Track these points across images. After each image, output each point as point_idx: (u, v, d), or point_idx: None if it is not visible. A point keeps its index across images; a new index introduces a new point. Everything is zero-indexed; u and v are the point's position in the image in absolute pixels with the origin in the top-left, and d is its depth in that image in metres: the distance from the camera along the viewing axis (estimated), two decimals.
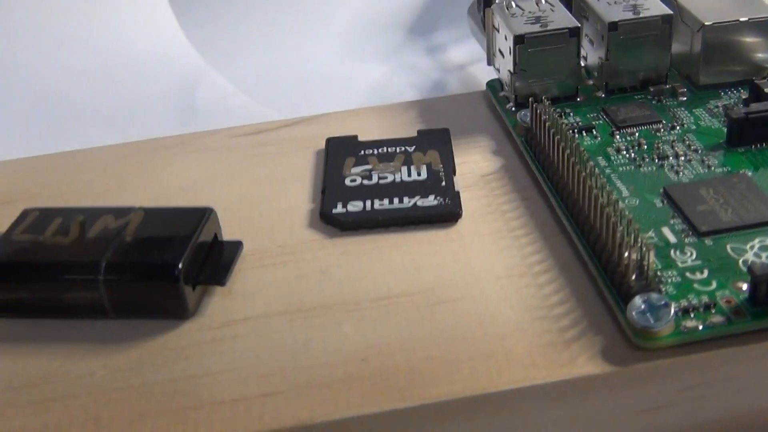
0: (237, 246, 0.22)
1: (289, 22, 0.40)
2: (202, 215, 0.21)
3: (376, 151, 0.25)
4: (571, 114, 0.26)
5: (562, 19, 0.26)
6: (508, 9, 0.26)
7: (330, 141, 0.26)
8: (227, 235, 0.22)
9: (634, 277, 0.19)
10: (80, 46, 0.38)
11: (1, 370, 0.19)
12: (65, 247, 0.21)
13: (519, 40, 0.25)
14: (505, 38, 0.26)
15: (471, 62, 0.36)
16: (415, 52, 0.38)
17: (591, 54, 0.27)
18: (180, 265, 0.20)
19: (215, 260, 0.21)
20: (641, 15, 0.25)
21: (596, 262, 0.20)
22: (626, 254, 0.19)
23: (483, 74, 0.35)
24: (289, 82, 0.38)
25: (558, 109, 0.25)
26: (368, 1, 0.41)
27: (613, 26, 0.25)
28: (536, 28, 0.25)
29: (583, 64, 0.26)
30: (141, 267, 0.20)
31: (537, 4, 0.26)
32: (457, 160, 0.25)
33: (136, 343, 0.20)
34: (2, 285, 0.20)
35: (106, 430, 0.18)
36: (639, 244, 0.19)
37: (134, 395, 0.18)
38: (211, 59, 0.38)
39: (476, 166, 0.25)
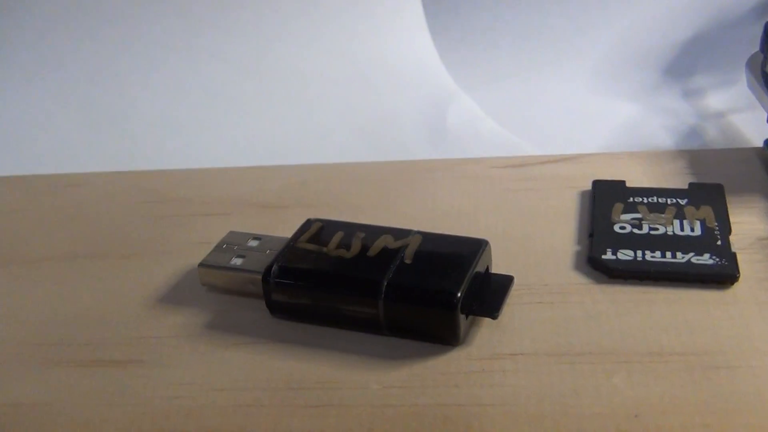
0: (509, 280, 0.22)
1: (542, 52, 0.40)
2: (480, 246, 0.22)
3: (645, 200, 0.25)
4: None
5: None
6: None
7: (597, 183, 0.26)
8: (493, 267, 0.23)
9: None
10: (339, 56, 0.40)
11: (280, 370, 0.21)
12: (347, 262, 0.22)
13: None
14: None
15: (731, 111, 0.35)
16: (669, 94, 0.38)
17: None
18: (459, 294, 0.20)
19: (486, 292, 0.22)
20: None
21: None
22: None
23: (745, 125, 0.34)
24: (537, 113, 0.38)
25: None
26: (624, 37, 0.41)
27: None
28: None
29: None
30: (421, 291, 0.20)
31: None
32: (731, 219, 0.24)
33: (406, 362, 0.20)
34: (287, 289, 0.21)
35: None
36: None
37: (406, 414, 0.19)
38: (462, 83, 0.39)
39: (752, 227, 0.24)
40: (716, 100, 0.36)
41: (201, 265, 0.23)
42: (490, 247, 0.22)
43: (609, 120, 0.36)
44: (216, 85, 0.38)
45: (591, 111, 0.37)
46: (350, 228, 0.23)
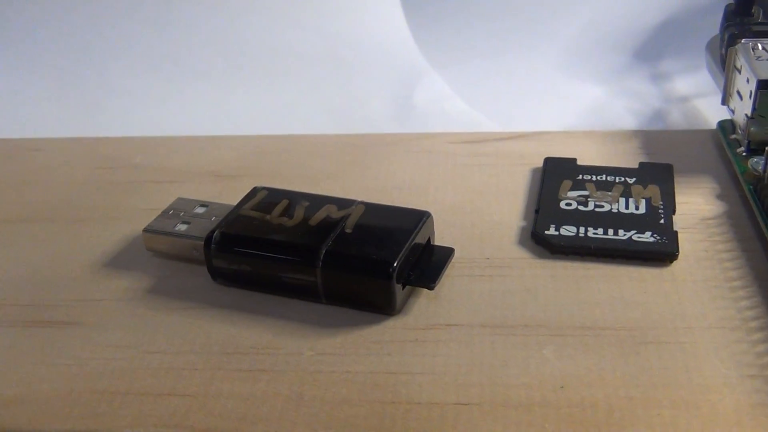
0: (449, 252, 0.22)
1: (513, 32, 0.40)
2: (421, 218, 0.22)
3: (594, 178, 0.25)
4: None
5: None
6: (753, 51, 0.26)
7: (548, 161, 0.26)
8: (436, 239, 0.23)
9: None
10: (310, 31, 0.40)
11: (217, 334, 0.21)
12: (289, 229, 0.22)
13: (763, 84, 0.24)
14: (747, 81, 0.25)
15: (697, 96, 0.35)
16: (638, 78, 0.38)
17: None
18: (395, 264, 0.20)
19: (426, 263, 0.22)
20: None
21: None
22: None
23: (709, 110, 0.33)
24: (506, 92, 0.38)
25: None
26: (595, 19, 0.40)
27: None
28: None
29: None
30: (358, 260, 0.21)
31: None
32: (677, 199, 0.24)
33: (342, 330, 0.21)
34: (228, 255, 0.22)
35: (306, 409, 0.19)
36: None
37: (337, 380, 0.19)
38: (433, 60, 0.39)
39: (697, 208, 0.24)
40: (683, 84, 0.36)
41: (146, 230, 0.23)
42: (432, 219, 0.22)
43: (576, 101, 0.36)
44: (181, 54, 0.38)
45: (559, 92, 0.37)
46: (295, 197, 0.23)
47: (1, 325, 0.21)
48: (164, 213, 0.24)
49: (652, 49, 0.39)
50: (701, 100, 0.34)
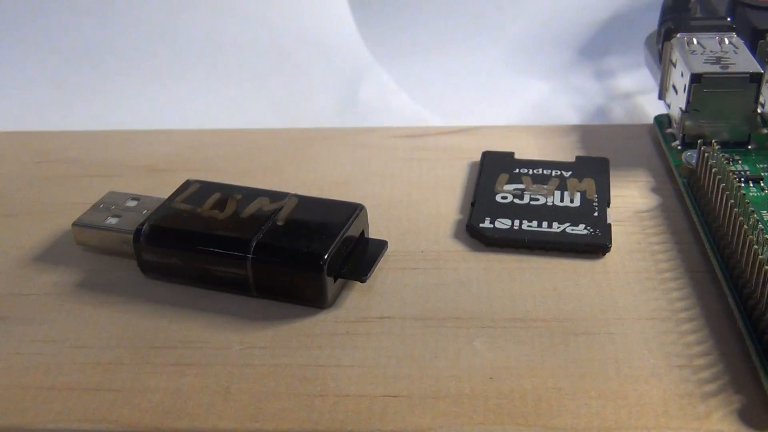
0: (382, 245, 0.22)
1: (460, 28, 0.40)
2: (353, 211, 0.22)
3: (531, 171, 0.25)
4: (740, 161, 0.25)
5: (745, 62, 0.25)
6: (688, 45, 0.26)
7: (486, 155, 0.26)
8: (373, 232, 0.23)
9: None
10: (256, 24, 0.39)
11: (145, 329, 0.20)
12: (220, 222, 0.21)
13: (696, 78, 0.24)
14: (682, 75, 0.25)
15: (639, 92, 0.35)
16: (582, 74, 0.38)
17: None
18: (326, 257, 0.20)
19: (359, 256, 0.22)
20: None
21: (746, 319, 0.19)
22: None
23: (650, 107, 0.34)
24: (451, 88, 0.38)
25: (726, 155, 0.24)
26: (542, 16, 0.41)
27: None
28: (716, 68, 0.24)
29: (760, 111, 0.25)
30: (289, 253, 0.20)
31: (720, 44, 0.26)
32: (612, 192, 0.24)
33: (273, 324, 0.20)
34: (157, 248, 0.21)
35: (234, 402, 0.18)
36: None
37: (265, 374, 0.19)
38: (378, 56, 0.39)
39: (632, 200, 0.24)
40: (626, 80, 0.37)
41: (75, 224, 0.23)
42: (366, 211, 0.22)
43: (520, 97, 0.36)
44: (121, 46, 0.37)
45: (504, 88, 0.37)
46: (228, 190, 0.23)
47: None
48: (95, 207, 0.23)
49: (597, 46, 0.39)
50: (643, 96, 0.35)
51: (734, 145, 0.25)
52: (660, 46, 0.28)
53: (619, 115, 0.35)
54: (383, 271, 0.22)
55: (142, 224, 0.21)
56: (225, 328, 0.20)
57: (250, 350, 0.20)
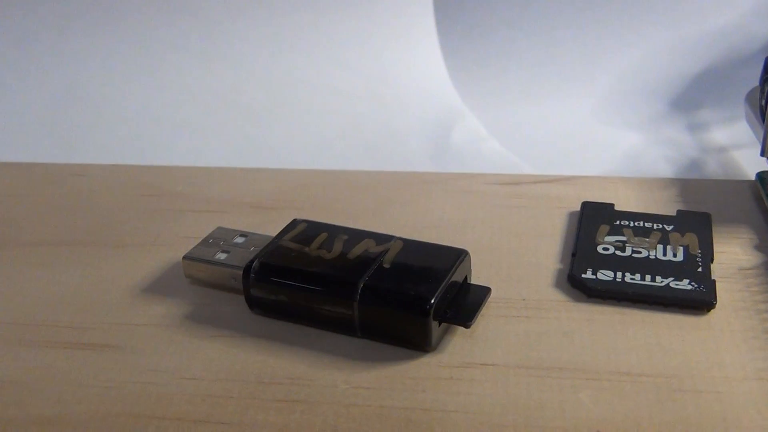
0: (485, 291, 0.22)
1: (551, 76, 0.41)
2: (458, 256, 0.22)
3: (632, 224, 0.25)
4: None
5: None
6: None
7: (586, 204, 0.26)
8: (474, 278, 0.23)
9: None
10: (350, 69, 0.40)
11: (253, 364, 0.21)
12: (328, 262, 0.22)
13: None
14: None
15: (734, 146, 0.35)
16: (674, 126, 0.38)
17: None
18: (432, 301, 0.20)
19: (462, 301, 0.22)
20: None
21: None
22: None
23: (747, 162, 0.34)
24: (542, 136, 0.38)
25: None
26: (633, 67, 0.41)
27: None
28: None
29: None
30: (395, 295, 0.21)
31: None
32: (715, 248, 0.24)
33: (377, 365, 0.21)
34: (266, 285, 0.22)
35: None
36: None
37: (371, 414, 0.19)
38: (470, 103, 0.39)
39: (735, 257, 0.24)
40: (720, 134, 0.36)
41: (185, 257, 0.23)
42: (469, 257, 0.22)
43: (612, 148, 0.36)
44: (225, 88, 0.38)
45: (595, 138, 0.37)
46: (334, 230, 0.23)
47: (41, 345, 0.22)
48: (204, 241, 0.24)
49: (690, 99, 0.39)
50: (740, 150, 0.34)
51: None
52: (763, 102, 0.27)
53: (714, 168, 0.35)
54: (485, 317, 0.22)
55: (252, 260, 0.22)
56: (331, 366, 0.21)
57: (356, 390, 0.20)
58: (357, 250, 0.22)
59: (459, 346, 0.21)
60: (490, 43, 0.42)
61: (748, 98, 0.30)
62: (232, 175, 0.30)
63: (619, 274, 0.23)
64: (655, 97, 0.39)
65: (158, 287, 0.24)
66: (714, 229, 0.25)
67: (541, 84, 0.41)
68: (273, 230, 0.24)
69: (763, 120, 0.27)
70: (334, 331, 0.22)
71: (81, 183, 0.30)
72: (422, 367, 0.21)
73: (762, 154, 0.28)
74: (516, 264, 0.24)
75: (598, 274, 0.23)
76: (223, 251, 0.23)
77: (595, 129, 0.38)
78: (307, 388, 0.20)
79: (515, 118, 0.39)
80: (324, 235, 0.23)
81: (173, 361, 0.21)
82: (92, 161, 0.31)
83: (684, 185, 0.28)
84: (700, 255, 0.24)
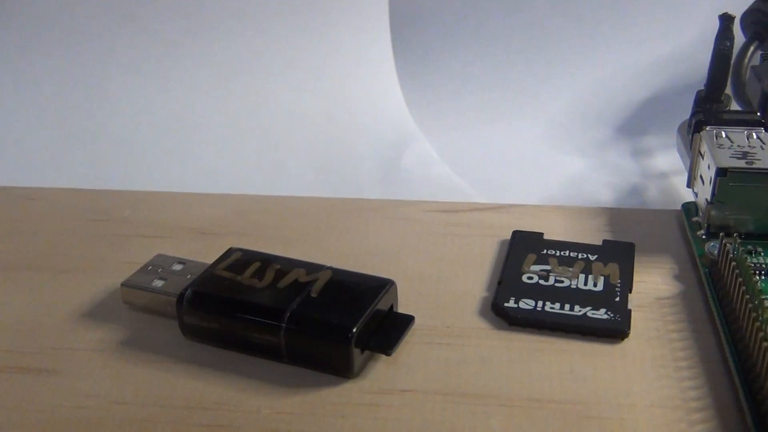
0: (409, 319, 0.23)
1: (504, 101, 0.42)
2: (384, 285, 0.23)
3: (558, 253, 0.26)
4: (762, 254, 0.25)
5: None
6: (717, 138, 0.27)
7: (516, 234, 0.27)
8: (402, 306, 0.24)
9: None
10: (305, 92, 0.41)
11: (182, 389, 0.22)
12: (258, 291, 0.23)
13: (721, 172, 0.25)
14: (708, 167, 0.26)
15: (676, 172, 0.36)
16: (619, 152, 0.39)
17: None
18: (354, 330, 0.21)
19: (387, 329, 0.23)
20: None
21: (754, 415, 0.20)
22: None
23: (684, 189, 0.35)
24: (491, 161, 0.39)
25: (750, 246, 0.25)
26: (582, 93, 0.42)
27: None
28: (741, 163, 0.25)
29: None
30: (320, 324, 0.22)
31: (748, 139, 0.27)
32: (636, 278, 0.25)
33: (301, 391, 0.22)
34: (198, 313, 0.23)
35: None
36: None
37: None
38: (424, 125, 0.40)
39: (654, 287, 0.25)
40: (663, 160, 0.37)
41: (124, 284, 0.24)
42: (395, 287, 0.23)
43: (557, 173, 0.37)
44: (181, 111, 0.39)
45: (542, 163, 0.38)
46: (267, 259, 0.24)
47: None
48: (143, 268, 0.25)
49: (636, 125, 0.40)
50: (677, 177, 0.35)
51: (758, 237, 0.26)
52: (690, 136, 0.29)
53: (653, 194, 0.36)
54: (409, 344, 0.23)
55: (186, 289, 0.23)
56: (256, 392, 0.22)
57: (279, 415, 0.21)
58: (287, 280, 0.23)
59: (382, 372, 0.22)
60: (445, 66, 0.43)
61: (680, 130, 0.31)
62: (179, 200, 0.31)
63: (540, 303, 0.24)
64: (602, 123, 0.40)
65: (99, 312, 0.25)
66: (637, 258, 0.26)
67: (493, 108, 0.42)
68: (213, 256, 0.25)
69: (690, 152, 0.28)
70: (263, 356, 0.22)
71: (31, 206, 0.30)
72: (344, 393, 0.21)
73: (688, 185, 0.29)
74: (444, 292, 0.25)
75: (520, 302, 0.24)
76: (160, 278, 0.24)
77: (543, 154, 0.39)
78: (232, 413, 0.21)
79: (467, 142, 0.40)
80: (257, 264, 0.24)
81: (106, 385, 0.22)
82: (41, 184, 0.32)
83: (613, 214, 0.29)
84: (619, 285, 0.25)
